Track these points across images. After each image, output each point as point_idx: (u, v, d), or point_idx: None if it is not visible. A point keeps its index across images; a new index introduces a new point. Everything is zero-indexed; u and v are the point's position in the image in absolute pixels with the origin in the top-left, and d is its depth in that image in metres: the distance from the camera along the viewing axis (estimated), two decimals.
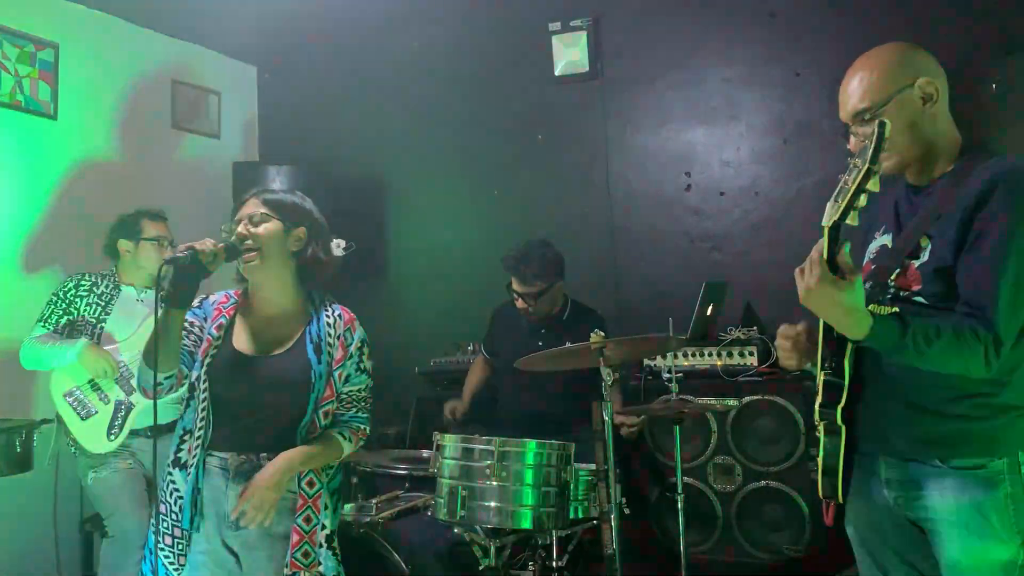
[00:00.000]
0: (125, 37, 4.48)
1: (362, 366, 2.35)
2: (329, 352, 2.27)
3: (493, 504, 2.72)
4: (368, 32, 4.98)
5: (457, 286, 4.82)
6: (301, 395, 2.22)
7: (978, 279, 1.69)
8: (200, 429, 2.21)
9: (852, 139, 1.87)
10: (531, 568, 3.02)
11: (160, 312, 2.09)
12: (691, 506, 3.56)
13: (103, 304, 3.40)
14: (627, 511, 2.90)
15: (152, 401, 2.11)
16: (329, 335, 2.29)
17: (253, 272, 2.27)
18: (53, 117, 4.07)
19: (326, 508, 2.26)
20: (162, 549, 2.22)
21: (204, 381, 2.22)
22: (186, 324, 2.23)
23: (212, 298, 2.35)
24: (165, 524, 2.22)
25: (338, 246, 3.62)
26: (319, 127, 5.18)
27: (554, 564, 2.95)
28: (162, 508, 2.24)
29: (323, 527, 2.24)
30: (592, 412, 2.85)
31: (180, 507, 2.20)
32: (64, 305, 3.36)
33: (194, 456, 2.20)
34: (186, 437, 2.24)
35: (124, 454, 3.34)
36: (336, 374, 2.28)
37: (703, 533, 3.80)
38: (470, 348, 4.46)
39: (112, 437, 3.28)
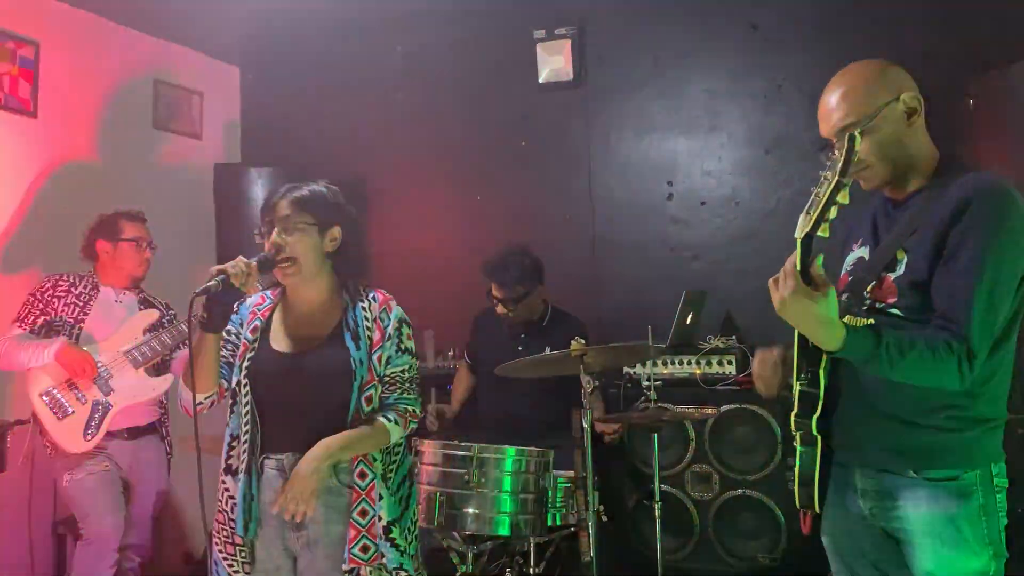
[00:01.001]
0: (107, 36, 4.45)
1: (403, 346, 2.28)
2: (368, 336, 2.23)
3: (471, 510, 2.73)
4: (352, 35, 4.97)
5: (438, 291, 4.81)
6: (344, 384, 2.17)
7: (953, 292, 1.71)
8: (246, 434, 2.18)
9: (835, 153, 1.89)
10: (508, 574, 3.03)
11: (195, 335, 2.08)
12: (668, 514, 3.58)
13: (81, 305, 3.38)
14: (605, 518, 2.92)
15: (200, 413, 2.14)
16: (365, 319, 2.24)
17: (290, 279, 2.23)
18: (33, 115, 4.03)
19: (381, 499, 2.17)
20: (225, 558, 2.20)
21: (245, 386, 2.19)
22: (223, 334, 2.22)
23: (248, 301, 2.31)
24: (225, 533, 2.20)
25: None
26: (302, 129, 5.16)
27: (531, 571, 2.96)
28: (220, 517, 2.22)
29: (380, 519, 2.16)
30: (571, 419, 2.86)
31: (235, 514, 2.17)
32: (41, 305, 3.33)
33: (243, 461, 2.18)
34: (234, 443, 2.22)
35: (100, 456, 3.31)
36: (375, 357, 2.22)
37: (680, 540, 3.82)
38: (451, 354, 4.45)
39: (88, 437, 3.25)
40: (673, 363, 3.93)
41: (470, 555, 2.89)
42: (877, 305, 1.84)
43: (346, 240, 2.28)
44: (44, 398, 3.25)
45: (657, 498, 3.28)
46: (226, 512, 2.20)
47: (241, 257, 2.11)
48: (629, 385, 3.94)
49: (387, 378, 2.25)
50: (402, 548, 2.19)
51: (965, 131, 3.57)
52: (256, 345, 2.22)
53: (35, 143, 4.05)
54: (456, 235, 4.86)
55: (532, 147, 4.75)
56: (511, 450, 2.82)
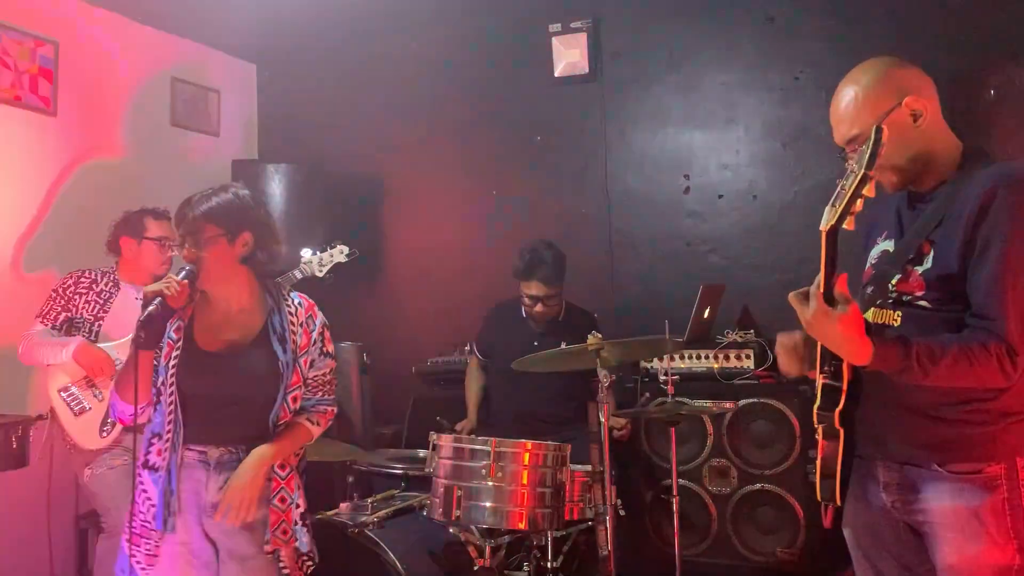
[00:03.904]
0: (125, 34, 4.48)
1: (325, 350, 2.41)
2: (293, 340, 2.32)
3: (488, 504, 2.73)
4: (368, 32, 4.98)
5: (454, 286, 4.82)
6: (271, 385, 2.28)
7: (986, 290, 1.69)
8: (168, 432, 2.24)
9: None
10: (526, 569, 3.03)
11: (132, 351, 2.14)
12: (686, 508, 3.57)
13: (102, 302, 3.40)
14: (622, 512, 2.91)
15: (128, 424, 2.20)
16: (292, 324, 2.34)
17: (206, 284, 2.30)
18: (53, 114, 4.07)
19: (298, 488, 2.34)
20: (133, 550, 2.26)
21: (171, 385, 2.24)
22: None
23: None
24: (134, 524, 2.26)
25: (341, 252, 3.64)
26: (318, 126, 5.18)
27: (549, 565, 2.96)
28: (133, 509, 2.26)
29: (297, 506, 2.32)
30: (588, 413, 2.86)
31: (149, 509, 2.25)
32: (63, 302, 3.36)
33: (163, 458, 2.24)
34: (154, 440, 2.28)
35: (119, 450, 3.33)
36: (301, 360, 2.33)
37: (698, 535, 3.81)
38: (467, 348, 4.46)
39: (104, 433, 3.27)
40: (690, 357, 3.92)
41: (487, 549, 2.89)
42: (904, 298, 1.83)
43: (258, 244, 2.33)
44: (62, 394, 3.28)
45: (675, 492, 3.27)
46: (137, 504, 2.25)
47: (171, 275, 2.21)
48: (646, 379, 3.93)
49: (310, 380, 2.38)
50: (312, 534, 2.36)
51: (986, 121, 3.53)
52: (180, 345, 2.28)
53: (55, 141, 4.08)
54: (471, 231, 4.86)
55: (548, 141, 4.74)
56: (528, 444, 2.82)
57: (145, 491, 2.26)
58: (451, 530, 2.97)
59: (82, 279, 3.41)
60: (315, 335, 2.37)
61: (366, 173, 5.11)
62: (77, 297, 3.37)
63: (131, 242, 3.48)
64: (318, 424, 2.39)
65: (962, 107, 3.52)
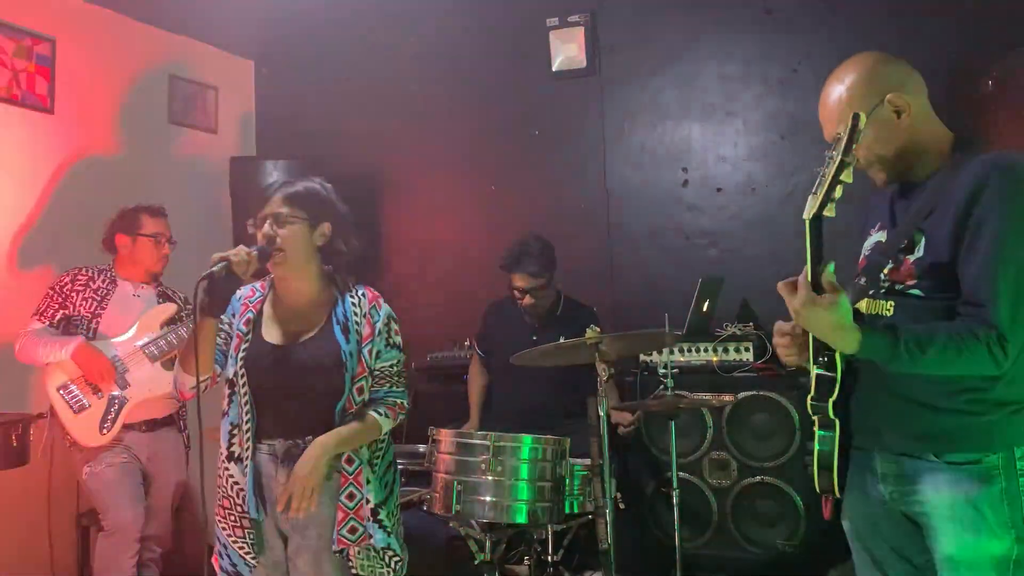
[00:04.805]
0: (122, 32, 4.47)
1: (391, 341, 2.38)
2: (357, 331, 2.32)
3: (488, 499, 2.74)
4: (365, 27, 4.97)
5: (453, 281, 4.82)
6: (335, 375, 2.27)
7: (977, 277, 1.69)
8: (247, 422, 2.27)
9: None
10: (526, 562, 3.04)
11: (197, 320, 2.16)
12: (686, 501, 3.57)
13: (99, 299, 3.40)
14: (622, 506, 2.91)
15: (191, 399, 2.21)
16: (355, 315, 2.34)
17: (279, 269, 2.31)
18: (50, 111, 4.06)
19: (368, 483, 2.29)
20: (235, 541, 2.29)
21: (242, 376, 2.27)
22: (222, 325, 2.31)
23: (239, 293, 2.36)
24: (232, 517, 2.29)
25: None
26: (316, 122, 5.17)
27: (549, 558, 2.97)
28: (226, 503, 2.30)
29: (367, 501, 2.28)
30: (587, 407, 2.86)
31: (243, 498, 2.26)
32: (60, 299, 3.36)
33: (246, 448, 2.27)
34: (235, 432, 2.31)
35: (118, 448, 3.34)
36: (366, 351, 2.32)
37: (698, 528, 3.81)
38: (467, 343, 4.46)
39: (105, 431, 3.28)
40: (690, 350, 3.92)
41: (488, 543, 2.90)
42: (897, 287, 1.83)
43: (335, 236, 2.36)
44: (61, 392, 3.28)
45: (675, 485, 3.27)
46: (231, 498, 2.29)
47: (242, 246, 2.20)
48: (645, 373, 3.93)
49: (377, 372, 2.36)
50: (388, 529, 2.31)
51: (985, 110, 3.52)
52: (250, 337, 2.31)
53: (52, 139, 4.08)
54: (470, 225, 4.86)
55: (546, 136, 4.73)
56: (528, 438, 2.83)
57: (236, 482, 2.28)
58: (451, 525, 2.98)
59: (79, 276, 3.42)
60: (380, 326, 2.35)
61: (364, 169, 5.10)
62: (74, 295, 3.37)
63: (126, 239, 3.49)
64: (388, 416, 2.33)
65: (961, 97, 3.52)
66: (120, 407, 3.31)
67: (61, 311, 3.35)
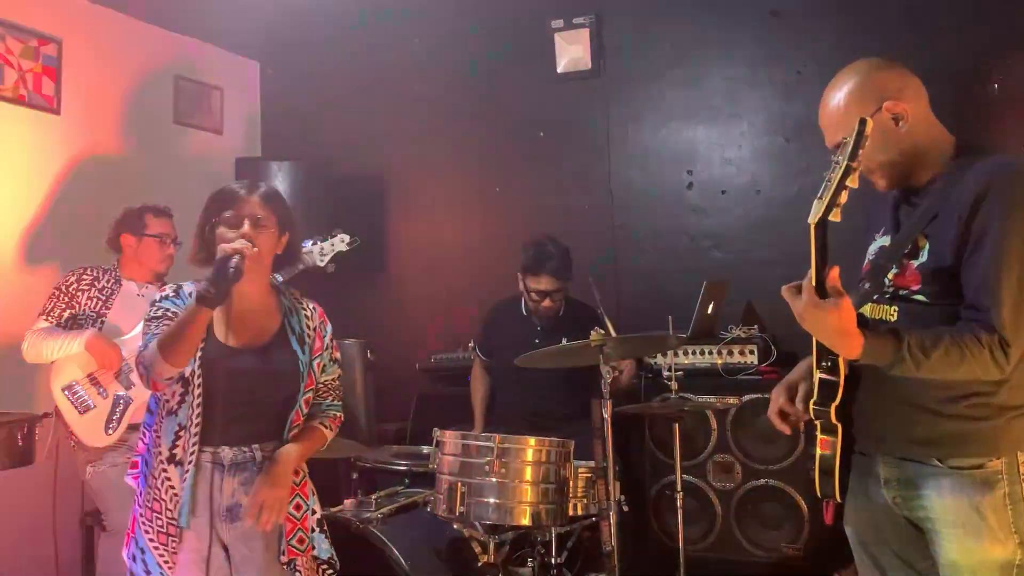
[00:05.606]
0: (128, 33, 4.49)
1: (334, 356, 2.44)
2: (310, 343, 2.34)
3: (492, 500, 2.73)
4: (371, 28, 4.98)
5: (458, 282, 4.82)
6: (292, 384, 2.28)
7: (980, 281, 1.69)
8: (196, 425, 2.18)
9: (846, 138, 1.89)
10: (530, 564, 3.03)
11: (192, 309, 2.08)
12: (690, 504, 3.57)
13: (104, 299, 3.41)
14: (626, 508, 2.91)
15: (151, 392, 2.21)
16: (308, 327, 2.35)
17: (250, 271, 2.22)
18: (56, 112, 4.08)
19: (313, 494, 2.34)
20: (156, 548, 2.19)
21: (199, 376, 2.18)
22: (168, 313, 2.21)
23: (187, 288, 2.29)
24: (160, 522, 2.19)
25: (342, 240, 3.64)
26: (321, 123, 5.18)
27: (553, 561, 2.96)
28: (155, 506, 2.20)
29: (312, 512, 2.32)
30: (591, 409, 2.86)
31: (175, 504, 2.18)
32: (66, 299, 3.37)
33: (190, 452, 2.18)
34: (181, 433, 2.20)
35: (123, 448, 3.34)
36: (315, 364, 2.35)
37: (702, 531, 3.81)
38: (471, 344, 4.46)
39: (110, 431, 3.29)
40: (694, 353, 3.92)
41: (491, 545, 2.89)
42: (900, 292, 1.83)
43: (291, 248, 2.36)
44: (66, 393, 3.29)
45: (679, 488, 3.27)
46: (163, 502, 2.19)
47: (243, 240, 2.16)
48: (650, 375, 3.93)
49: (321, 385, 2.40)
50: (330, 540, 2.35)
51: (990, 114, 3.52)
52: (205, 336, 2.20)
53: (58, 139, 4.09)
54: (475, 227, 4.86)
55: (551, 137, 4.73)
56: (532, 440, 2.82)
57: (172, 487, 2.18)
58: (455, 526, 2.98)
59: (84, 276, 3.43)
60: (327, 340, 2.40)
61: (369, 170, 5.11)
62: (80, 294, 3.38)
63: (131, 239, 3.50)
64: (331, 428, 2.39)
65: (965, 101, 3.52)
66: (125, 408, 3.32)
67: (68, 310, 3.36)
